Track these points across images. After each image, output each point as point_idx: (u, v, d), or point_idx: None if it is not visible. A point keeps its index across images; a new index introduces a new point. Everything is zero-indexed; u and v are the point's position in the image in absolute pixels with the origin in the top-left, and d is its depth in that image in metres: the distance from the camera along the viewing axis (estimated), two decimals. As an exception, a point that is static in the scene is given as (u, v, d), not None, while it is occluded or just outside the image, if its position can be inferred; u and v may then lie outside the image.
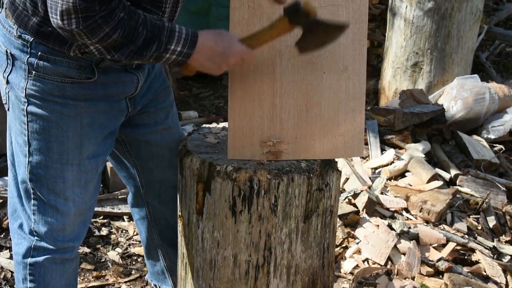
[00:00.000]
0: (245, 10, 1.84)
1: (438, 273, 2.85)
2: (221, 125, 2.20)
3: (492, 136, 4.37)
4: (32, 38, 1.76)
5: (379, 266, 2.85)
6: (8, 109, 1.90)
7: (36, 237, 1.98)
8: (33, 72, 1.78)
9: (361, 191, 3.19)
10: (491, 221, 3.29)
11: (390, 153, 3.70)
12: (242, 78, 1.86)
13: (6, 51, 1.81)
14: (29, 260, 2.00)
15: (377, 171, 3.58)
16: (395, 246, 2.91)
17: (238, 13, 1.84)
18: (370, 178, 3.48)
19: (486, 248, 3.06)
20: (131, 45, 1.60)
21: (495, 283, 2.84)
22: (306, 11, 1.66)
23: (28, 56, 1.78)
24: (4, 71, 1.84)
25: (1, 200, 3.25)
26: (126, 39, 1.59)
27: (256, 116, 1.87)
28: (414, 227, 3.07)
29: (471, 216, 3.31)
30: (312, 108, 1.88)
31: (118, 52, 1.61)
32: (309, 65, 1.86)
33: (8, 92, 1.86)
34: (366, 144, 3.87)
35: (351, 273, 2.84)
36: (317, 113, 1.88)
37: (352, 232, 3.03)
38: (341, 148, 1.91)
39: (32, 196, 1.93)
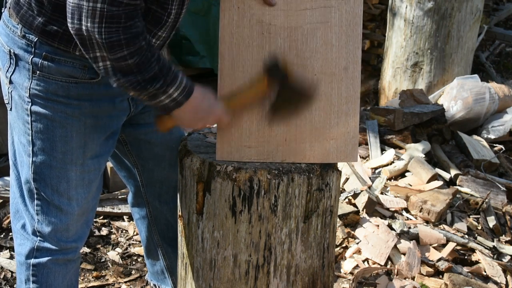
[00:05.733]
0: (235, 11, 1.84)
1: (438, 273, 2.85)
2: (221, 125, 2.19)
3: (492, 136, 4.38)
4: (37, 38, 1.76)
5: (379, 266, 2.85)
6: (11, 108, 1.90)
7: (39, 238, 1.98)
8: (37, 72, 1.78)
9: (361, 191, 3.19)
10: (491, 221, 3.29)
11: (390, 153, 3.70)
12: (232, 78, 1.85)
13: (10, 51, 1.81)
14: (32, 261, 2.00)
15: (377, 171, 3.58)
16: (395, 246, 2.91)
17: (227, 15, 1.85)
18: (370, 178, 3.48)
19: (486, 248, 3.06)
20: (140, 75, 1.62)
21: (495, 283, 2.84)
22: (284, 68, 1.76)
23: (32, 56, 1.78)
24: (7, 71, 1.84)
25: (1, 200, 3.25)
26: (138, 67, 1.60)
27: (244, 117, 1.87)
28: (414, 227, 3.08)
29: (471, 216, 3.31)
30: (302, 110, 1.87)
31: (125, 77, 1.62)
32: (300, 66, 1.84)
33: (11, 91, 1.86)
34: (366, 144, 3.88)
35: (351, 273, 2.84)
36: (307, 116, 1.86)
37: (352, 232, 3.03)
38: (333, 153, 1.88)
39: (35, 196, 1.92)
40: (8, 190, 3.24)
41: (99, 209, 3.32)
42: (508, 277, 2.90)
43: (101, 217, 3.36)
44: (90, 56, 1.60)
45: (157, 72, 1.63)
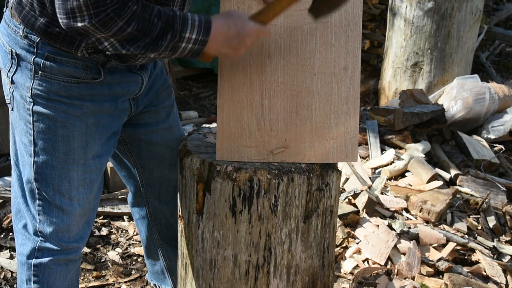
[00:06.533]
0: None
1: (438, 273, 2.85)
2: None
3: (492, 136, 4.38)
4: (39, 39, 1.76)
5: (379, 266, 2.85)
6: (12, 108, 1.89)
7: (40, 238, 1.98)
8: (39, 72, 1.78)
9: (361, 191, 3.19)
10: (491, 221, 3.29)
11: (390, 153, 3.70)
12: (232, 78, 1.85)
13: (11, 51, 1.81)
14: (34, 261, 2.00)
15: (377, 171, 3.58)
16: (395, 246, 2.91)
17: None
18: (370, 178, 3.48)
19: (486, 248, 3.06)
20: (146, 37, 1.59)
21: (495, 283, 2.84)
22: None
23: (34, 56, 1.77)
24: (9, 71, 1.83)
25: (1, 200, 3.25)
26: (141, 31, 1.58)
27: (244, 117, 1.87)
28: (414, 227, 3.08)
29: (471, 216, 3.31)
30: (302, 110, 1.86)
31: (133, 45, 1.60)
32: (299, 66, 1.85)
33: (13, 92, 1.86)
34: (366, 144, 3.88)
35: (351, 273, 2.84)
36: (307, 116, 1.87)
37: (352, 232, 3.03)
38: (333, 152, 1.88)
39: (37, 196, 1.92)
40: (8, 190, 3.24)
41: (99, 209, 3.32)
42: (508, 277, 2.90)
43: (101, 217, 3.36)
44: (92, 41, 1.59)
45: (162, 26, 1.60)
